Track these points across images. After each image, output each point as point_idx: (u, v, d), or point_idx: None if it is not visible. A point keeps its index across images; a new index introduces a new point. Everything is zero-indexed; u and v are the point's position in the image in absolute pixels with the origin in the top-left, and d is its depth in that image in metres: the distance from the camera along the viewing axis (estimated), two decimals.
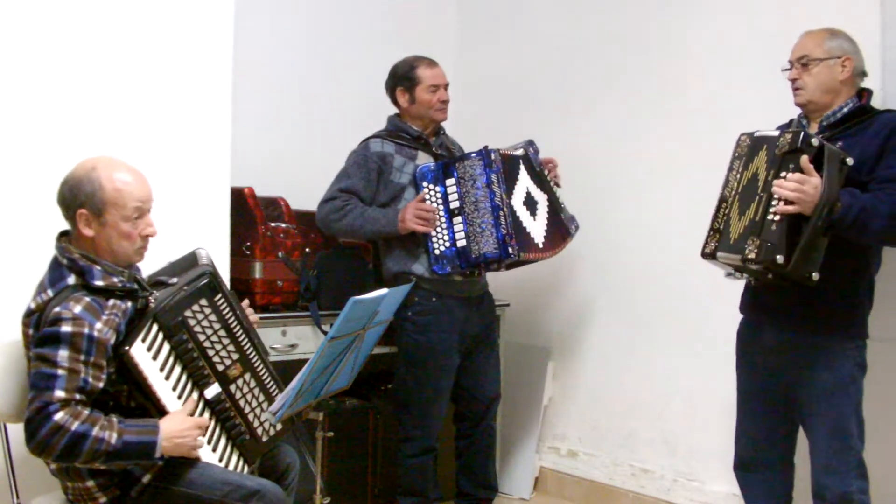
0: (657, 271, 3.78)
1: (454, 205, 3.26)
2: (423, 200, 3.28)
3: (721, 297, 3.50)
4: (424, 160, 3.39)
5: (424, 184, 3.30)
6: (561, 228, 3.44)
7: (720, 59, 3.57)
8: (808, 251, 2.47)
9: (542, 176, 3.43)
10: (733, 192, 2.68)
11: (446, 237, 3.26)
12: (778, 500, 2.88)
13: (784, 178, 2.49)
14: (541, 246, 3.32)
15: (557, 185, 3.47)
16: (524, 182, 3.35)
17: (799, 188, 2.45)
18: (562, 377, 4.15)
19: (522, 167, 3.37)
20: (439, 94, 3.42)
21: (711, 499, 3.59)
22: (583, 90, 4.07)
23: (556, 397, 4.16)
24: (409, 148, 3.42)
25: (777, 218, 2.48)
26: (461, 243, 3.24)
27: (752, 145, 2.67)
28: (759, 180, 2.58)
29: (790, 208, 2.46)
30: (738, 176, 2.68)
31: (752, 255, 2.51)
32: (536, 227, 3.33)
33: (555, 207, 3.43)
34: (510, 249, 3.18)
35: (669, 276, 3.73)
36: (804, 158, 2.47)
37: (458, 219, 3.25)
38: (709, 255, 2.72)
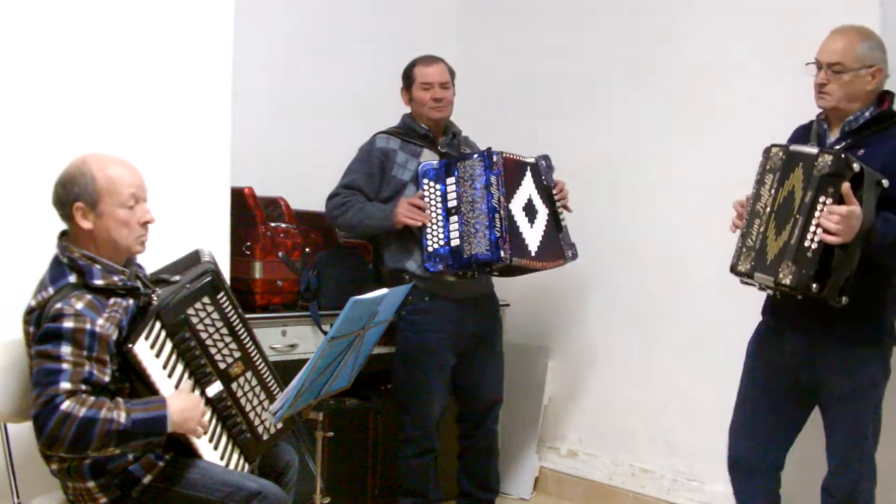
0: (657, 271, 3.78)
1: (452, 204, 3.25)
2: (422, 198, 3.29)
3: (721, 298, 3.51)
4: (429, 158, 3.40)
5: (425, 181, 3.31)
6: (556, 246, 3.39)
7: (722, 58, 3.57)
8: (841, 276, 2.46)
9: (549, 190, 3.39)
10: (768, 209, 2.63)
11: (441, 235, 3.26)
12: (767, 500, 2.87)
13: (824, 202, 2.44)
14: (533, 254, 3.29)
15: (566, 208, 3.43)
16: (528, 189, 3.33)
17: (843, 220, 2.40)
18: (562, 377, 4.15)
19: (529, 174, 3.35)
20: (432, 92, 3.41)
21: (711, 499, 3.59)
22: (583, 90, 4.07)
23: (556, 397, 4.16)
24: (415, 145, 3.43)
25: (815, 246, 2.44)
26: (455, 242, 3.23)
27: (786, 160, 2.61)
28: (794, 200, 2.53)
29: (833, 239, 2.41)
30: (773, 192, 2.63)
31: (786, 281, 2.49)
32: (532, 235, 3.30)
33: (554, 224, 3.39)
34: (502, 252, 3.16)
35: (669, 277, 3.74)
36: (846, 186, 2.42)
37: (455, 218, 3.25)
38: (743, 274, 2.67)
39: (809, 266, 2.45)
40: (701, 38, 3.65)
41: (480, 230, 3.17)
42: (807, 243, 2.47)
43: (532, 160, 3.39)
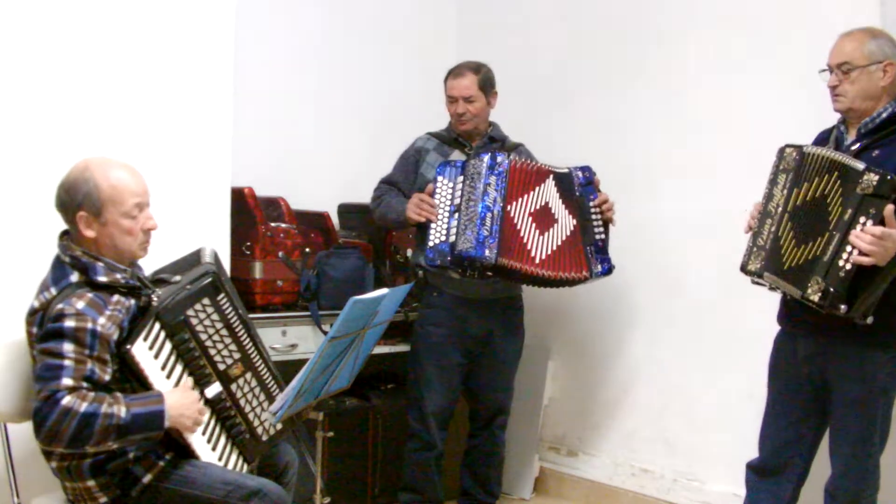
0: (657, 271, 3.78)
1: (457, 201, 3.26)
2: (433, 193, 3.29)
3: (722, 298, 3.51)
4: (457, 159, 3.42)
5: (439, 178, 3.31)
6: (577, 258, 3.31)
7: (721, 58, 3.57)
8: (870, 298, 2.43)
9: (580, 202, 3.35)
10: (780, 210, 2.59)
11: (444, 230, 3.27)
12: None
13: (864, 223, 2.39)
14: (537, 260, 3.24)
15: (610, 221, 3.37)
16: (546, 196, 3.29)
17: (879, 243, 2.35)
18: (562, 377, 4.15)
19: (552, 182, 3.31)
20: (455, 106, 3.44)
21: (711, 499, 3.59)
22: (583, 89, 4.07)
23: (556, 397, 4.16)
24: (448, 147, 3.50)
25: (849, 266, 2.40)
26: (452, 238, 3.24)
27: (802, 161, 2.57)
28: (829, 213, 2.47)
29: (866, 260, 2.37)
30: (786, 192, 2.59)
31: (815, 298, 2.45)
32: (541, 242, 3.26)
33: (581, 236, 3.32)
34: (487, 251, 3.14)
35: (670, 276, 3.73)
36: (889, 209, 2.36)
37: (457, 214, 3.26)
38: (753, 273, 2.65)
39: (840, 286, 2.41)
40: (701, 38, 3.65)
41: (470, 227, 3.18)
42: (841, 262, 2.42)
43: (565, 170, 3.35)
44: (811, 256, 2.50)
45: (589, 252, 3.33)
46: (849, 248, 2.41)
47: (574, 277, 3.29)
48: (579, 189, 3.36)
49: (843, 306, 2.42)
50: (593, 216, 3.35)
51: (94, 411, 2.14)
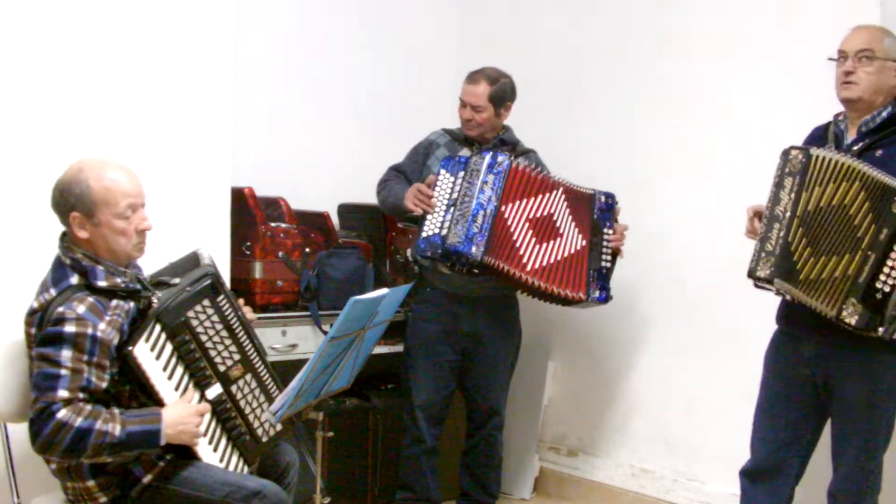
0: (656, 271, 3.78)
1: (455, 195, 3.26)
2: (433, 185, 3.30)
3: (722, 298, 3.51)
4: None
5: (442, 171, 3.31)
6: (578, 278, 3.29)
7: (721, 59, 3.57)
8: None
9: (595, 225, 3.34)
10: (789, 215, 2.55)
11: (439, 223, 3.26)
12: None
13: None
14: (528, 267, 3.23)
15: (617, 252, 3.36)
16: (551, 207, 3.28)
17: None
18: (562, 377, 4.15)
19: (561, 196, 3.29)
20: (463, 110, 3.45)
21: (711, 499, 3.59)
22: (583, 91, 4.07)
23: (556, 397, 4.16)
24: (459, 144, 3.51)
25: (887, 289, 2.40)
26: (444, 231, 3.24)
27: (809, 164, 2.53)
28: (856, 228, 2.46)
29: None
30: (794, 196, 2.54)
31: (852, 321, 2.43)
32: (538, 251, 3.25)
33: (588, 258, 3.32)
34: (473, 248, 3.14)
35: (669, 277, 3.74)
36: None
37: (452, 209, 3.25)
38: (763, 279, 2.59)
39: (879, 309, 2.41)
40: (702, 38, 3.65)
41: (461, 222, 3.18)
42: (879, 284, 2.41)
43: (588, 191, 3.35)
44: (840, 274, 2.47)
45: (591, 276, 3.32)
46: (886, 271, 2.40)
47: (568, 295, 3.27)
48: (598, 213, 3.36)
49: (881, 329, 2.41)
50: (604, 243, 3.35)
51: (88, 427, 2.15)
